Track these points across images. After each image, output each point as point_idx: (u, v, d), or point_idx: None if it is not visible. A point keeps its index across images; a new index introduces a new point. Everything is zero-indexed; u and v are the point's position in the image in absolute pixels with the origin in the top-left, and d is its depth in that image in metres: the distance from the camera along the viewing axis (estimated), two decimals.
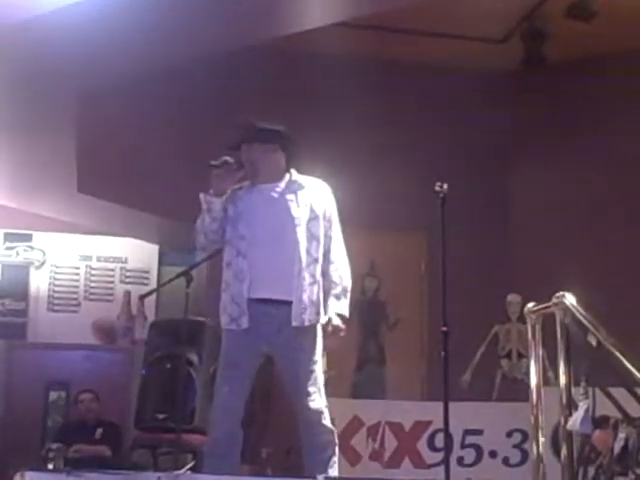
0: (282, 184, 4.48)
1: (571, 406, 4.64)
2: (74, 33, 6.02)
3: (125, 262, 10.39)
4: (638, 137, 9.17)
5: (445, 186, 4.72)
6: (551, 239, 9.42)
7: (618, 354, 4.34)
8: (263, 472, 7.72)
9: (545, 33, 9.17)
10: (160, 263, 10.45)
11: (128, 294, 10.00)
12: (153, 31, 6.29)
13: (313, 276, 4.34)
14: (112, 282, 10.32)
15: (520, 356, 8.52)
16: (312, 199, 4.46)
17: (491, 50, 9.62)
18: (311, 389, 4.34)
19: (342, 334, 4.37)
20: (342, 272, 4.45)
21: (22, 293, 10.10)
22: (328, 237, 4.46)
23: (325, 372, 9.42)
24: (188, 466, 5.45)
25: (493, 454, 7.81)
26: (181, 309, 5.43)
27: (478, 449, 7.81)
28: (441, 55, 9.53)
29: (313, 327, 4.37)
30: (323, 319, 4.39)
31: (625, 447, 4.15)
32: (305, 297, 4.29)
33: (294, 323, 4.29)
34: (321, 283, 4.41)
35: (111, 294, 10.26)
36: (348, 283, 4.45)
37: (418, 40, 9.42)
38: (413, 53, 9.54)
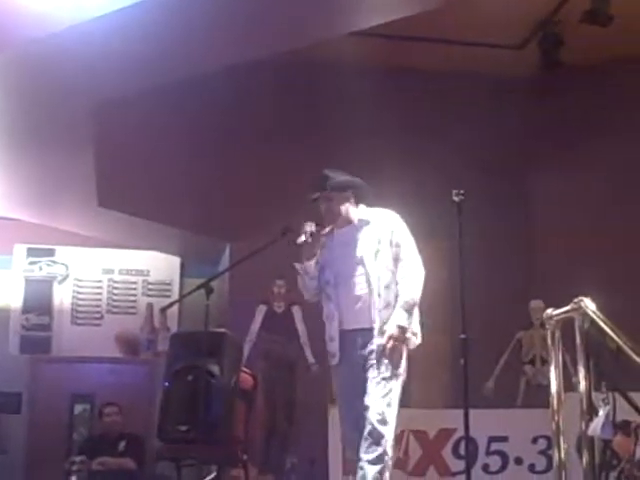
0: (352, 226, 4.95)
1: (592, 411, 4.60)
2: (89, 48, 6.07)
3: (147, 275, 10.45)
4: None
5: (462, 193, 4.72)
6: (572, 243, 9.37)
7: (637, 358, 4.30)
8: None
9: (562, 39, 9.17)
10: (182, 275, 10.50)
11: (150, 306, 10.05)
12: (170, 42, 6.32)
13: (386, 301, 4.75)
14: (135, 295, 10.39)
15: (544, 362, 8.46)
16: (378, 231, 4.87)
17: (508, 56, 9.62)
18: (380, 400, 4.64)
19: (396, 342, 4.67)
20: (406, 286, 4.77)
21: (46, 307, 10.19)
22: (398, 260, 4.83)
23: None
24: (210, 477, 5.45)
25: (519, 461, 7.78)
26: (203, 320, 5.45)
27: (503, 456, 7.77)
28: (459, 62, 9.55)
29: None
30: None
31: None
32: (381, 321, 4.69)
33: (373, 346, 4.69)
34: (393, 306, 4.76)
35: (134, 307, 10.32)
36: (412, 297, 4.76)
37: (436, 47, 9.44)
38: (431, 60, 9.56)
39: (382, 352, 4.67)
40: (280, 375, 8.68)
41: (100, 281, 10.40)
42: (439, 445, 7.64)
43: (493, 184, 9.25)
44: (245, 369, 6.55)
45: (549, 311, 5.23)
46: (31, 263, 10.28)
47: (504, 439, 7.77)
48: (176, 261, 10.51)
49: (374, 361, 4.68)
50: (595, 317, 4.69)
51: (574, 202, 9.58)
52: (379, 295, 4.73)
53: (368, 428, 4.59)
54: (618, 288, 8.15)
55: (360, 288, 4.80)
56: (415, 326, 4.84)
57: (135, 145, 8.53)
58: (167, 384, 6.08)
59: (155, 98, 7.86)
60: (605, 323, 4.63)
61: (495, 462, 7.70)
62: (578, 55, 9.22)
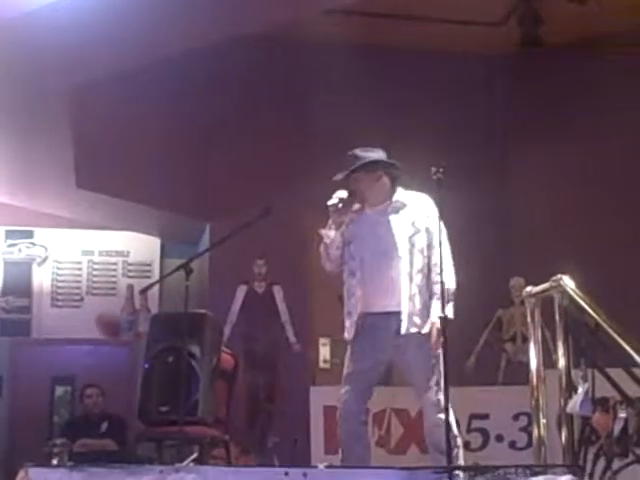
0: (386, 205, 4.91)
1: (571, 389, 4.63)
2: (63, 29, 6.01)
3: (127, 256, 10.41)
4: (634, 116, 9.14)
5: (441, 170, 4.71)
6: (551, 222, 9.41)
7: (616, 336, 4.33)
8: (269, 461, 7.75)
9: (541, 16, 9.16)
10: (162, 256, 10.47)
11: (131, 288, 10.03)
12: (144, 23, 6.28)
13: (418, 286, 4.76)
14: (115, 276, 10.35)
15: (524, 339, 8.47)
16: (414, 215, 4.85)
17: (488, 33, 9.61)
18: (431, 383, 4.67)
19: (442, 333, 4.65)
20: (444, 277, 4.70)
21: (25, 290, 10.13)
22: (432, 247, 4.81)
23: (328, 361, 9.54)
24: (191, 458, 5.45)
25: (500, 438, 7.83)
26: (184, 301, 5.43)
27: (484, 433, 7.82)
28: (438, 39, 9.52)
29: (419, 333, 4.73)
30: (426, 327, 4.75)
31: (624, 428, 4.16)
32: (411, 307, 4.71)
33: (403, 331, 4.70)
34: (425, 292, 4.78)
35: (114, 288, 10.28)
36: (450, 287, 4.76)
37: (415, 25, 9.41)
38: (410, 38, 9.54)
39: (422, 340, 4.67)
40: (261, 355, 8.69)
41: (80, 263, 10.34)
42: (420, 423, 7.60)
43: (472, 162, 9.24)
44: (226, 349, 6.53)
45: (528, 289, 5.27)
46: (10, 245, 10.22)
47: (485, 416, 7.82)
48: (156, 242, 10.48)
49: (411, 346, 4.67)
50: (574, 294, 4.72)
51: (554, 180, 9.61)
52: (411, 280, 4.73)
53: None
54: (597, 265, 8.19)
55: (390, 269, 4.79)
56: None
57: (113, 126, 8.49)
58: (147, 365, 6.05)
59: (132, 79, 7.81)
60: (584, 300, 4.66)
61: (476, 439, 7.74)
62: (557, 33, 9.23)
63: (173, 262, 9.12)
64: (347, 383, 4.84)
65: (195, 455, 5.62)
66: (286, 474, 4.03)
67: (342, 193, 4.86)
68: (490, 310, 8.84)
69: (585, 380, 4.47)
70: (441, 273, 4.65)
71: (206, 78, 9.09)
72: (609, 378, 4.45)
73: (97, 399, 8.04)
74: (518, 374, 8.14)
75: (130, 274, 10.35)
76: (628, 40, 9.08)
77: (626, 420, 4.19)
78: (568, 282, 4.80)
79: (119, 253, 10.42)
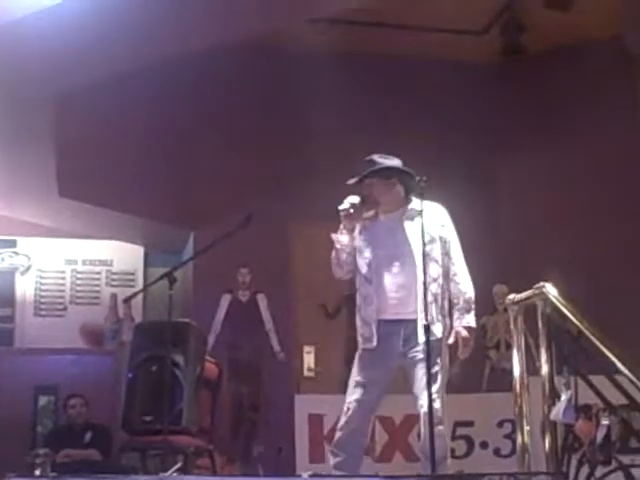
0: (401, 213, 4.91)
1: (554, 396, 4.65)
2: (47, 38, 6.00)
3: (110, 265, 10.37)
4: (617, 124, 9.18)
5: (424, 180, 4.75)
6: (536, 229, 9.43)
7: (598, 343, 4.35)
8: (254, 471, 7.74)
9: (524, 24, 9.21)
10: (146, 265, 10.43)
11: (115, 297, 9.98)
12: (125, 32, 6.27)
13: (433, 295, 4.75)
14: (98, 285, 10.30)
15: (508, 346, 8.48)
16: (428, 224, 4.80)
17: (471, 42, 9.64)
18: (434, 395, 4.59)
19: (472, 343, 4.84)
20: (463, 287, 4.87)
21: (8, 299, 10.07)
22: (447, 257, 4.88)
23: (313, 369, 9.52)
24: (175, 467, 5.43)
25: (484, 445, 7.84)
26: (168, 310, 5.42)
27: (469, 440, 7.83)
28: (420, 48, 9.54)
29: (438, 340, 4.73)
30: (451, 338, 4.82)
31: (607, 436, 4.17)
32: (427, 315, 4.62)
33: (419, 340, 4.67)
34: (440, 300, 4.82)
35: (97, 297, 10.24)
36: (470, 296, 4.86)
37: (397, 34, 9.43)
38: (392, 47, 9.55)
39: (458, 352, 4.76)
40: (245, 364, 8.68)
41: (63, 272, 10.30)
42: (405, 431, 7.67)
43: (458, 169, 9.26)
44: (210, 358, 6.53)
45: (511, 296, 5.29)
46: None
47: (470, 424, 7.82)
48: (140, 251, 10.44)
49: (421, 355, 4.64)
50: (556, 302, 4.74)
51: (539, 187, 9.63)
52: (426, 288, 4.68)
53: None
54: (581, 272, 8.21)
55: (405, 277, 4.79)
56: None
57: (95, 135, 8.46)
58: (131, 375, 6.04)
59: (114, 87, 7.80)
60: (566, 308, 4.69)
61: (461, 447, 7.74)
62: (539, 40, 9.27)
63: (157, 271, 9.10)
64: (356, 392, 4.80)
65: (179, 465, 5.61)
66: None
67: (354, 198, 4.86)
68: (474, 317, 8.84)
69: (568, 387, 4.48)
70: (459, 283, 4.79)
71: (188, 87, 9.09)
72: (592, 385, 4.47)
73: (81, 409, 8.00)
74: (502, 381, 8.15)
75: (114, 283, 10.31)
76: (610, 47, 9.12)
77: (609, 427, 4.21)
78: (551, 290, 4.82)
79: (102, 262, 10.38)
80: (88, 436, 7.75)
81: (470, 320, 4.83)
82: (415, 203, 4.89)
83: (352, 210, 4.82)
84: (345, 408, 4.82)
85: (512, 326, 5.27)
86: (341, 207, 4.84)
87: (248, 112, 9.50)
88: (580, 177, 9.42)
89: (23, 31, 6.01)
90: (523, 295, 5.12)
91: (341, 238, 4.88)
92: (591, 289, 7.62)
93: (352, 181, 4.90)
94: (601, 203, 9.28)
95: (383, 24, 9.29)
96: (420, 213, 4.78)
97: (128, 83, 7.91)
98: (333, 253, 4.93)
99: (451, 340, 4.77)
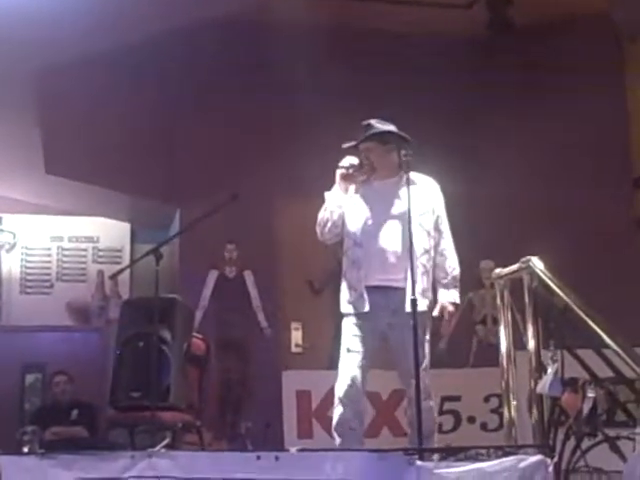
0: (396, 180, 4.80)
1: (541, 370, 4.66)
2: (28, 14, 5.95)
3: (97, 241, 10.36)
4: (603, 96, 9.18)
5: (409, 153, 4.72)
6: (520, 204, 9.44)
7: (585, 316, 4.36)
8: (242, 446, 7.75)
9: None
10: (132, 241, 10.42)
11: (101, 274, 9.98)
12: (108, 6, 6.22)
13: (424, 266, 4.69)
14: (85, 262, 10.30)
15: (495, 321, 8.45)
16: (423, 195, 4.75)
17: (457, 16, 9.61)
18: (422, 372, 4.51)
19: (455, 319, 4.77)
20: (451, 262, 4.80)
21: None
22: (438, 231, 4.81)
23: (300, 345, 9.53)
24: (163, 443, 5.42)
25: (471, 420, 7.88)
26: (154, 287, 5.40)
27: (456, 415, 7.86)
28: (407, 22, 9.51)
29: (423, 312, 4.64)
30: (436, 310, 4.74)
31: (593, 408, 4.19)
32: (417, 285, 4.52)
33: (407, 309, 4.50)
34: (431, 273, 4.75)
35: (84, 274, 10.23)
36: (457, 273, 4.81)
37: (383, 7, 9.40)
38: (378, 20, 9.52)
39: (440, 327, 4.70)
40: (233, 340, 8.68)
41: (49, 249, 10.28)
42: (392, 406, 7.70)
43: (440, 144, 9.24)
44: (197, 334, 6.52)
45: (497, 271, 5.29)
46: None
47: (457, 398, 7.85)
48: (126, 227, 10.43)
49: (408, 329, 4.41)
50: (543, 276, 4.74)
51: (523, 161, 9.62)
52: (416, 258, 4.57)
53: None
54: (567, 246, 8.22)
55: (396, 244, 4.67)
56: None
57: (81, 111, 8.43)
58: (118, 351, 6.03)
59: (100, 63, 7.76)
60: (552, 281, 4.69)
61: (448, 421, 7.78)
62: (526, 14, 9.24)
63: (143, 247, 9.05)
64: (350, 362, 4.67)
65: (167, 441, 5.60)
66: (258, 458, 4.01)
67: (353, 159, 4.77)
68: (461, 293, 8.85)
69: (554, 361, 4.49)
70: (447, 259, 4.74)
71: (173, 62, 9.04)
72: (578, 359, 4.49)
73: (65, 386, 7.96)
74: (489, 356, 8.17)
75: (100, 260, 10.30)
76: (595, 20, 9.11)
77: (595, 400, 4.22)
78: (537, 263, 4.82)
79: (89, 239, 10.36)
80: (74, 413, 7.72)
81: (455, 296, 4.76)
82: (410, 173, 4.74)
83: (351, 170, 4.75)
84: (341, 381, 4.70)
85: (499, 300, 5.27)
86: (340, 164, 4.77)
87: (233, 89, 9.46)
88: (567, 149, 9.43)
89: (4, 6, 5.96)
90: (509, 269, 5.12)
91: (335, 197, 4.80)
92: (576, 263, 7.63)
93: (349, 145, 4.80)
94: (588, 175, 9.31)
95: None
96: (412, 183, 4.67)
97: (114, 59, 7.88)
98: (322, 214, 4.82)
99: (436, 313, 4.70)
